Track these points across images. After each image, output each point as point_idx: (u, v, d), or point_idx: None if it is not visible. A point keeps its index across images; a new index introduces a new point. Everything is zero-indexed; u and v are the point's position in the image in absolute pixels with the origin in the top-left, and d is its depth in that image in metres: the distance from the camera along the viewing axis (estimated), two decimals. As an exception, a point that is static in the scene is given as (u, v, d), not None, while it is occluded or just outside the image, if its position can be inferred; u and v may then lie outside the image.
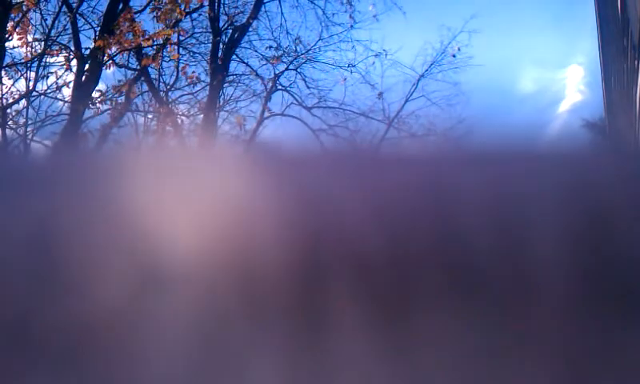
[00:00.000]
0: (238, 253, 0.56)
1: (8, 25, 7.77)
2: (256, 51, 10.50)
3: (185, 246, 0.56)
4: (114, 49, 7.99)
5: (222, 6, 9.95)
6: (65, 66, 8.71)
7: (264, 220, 0.56)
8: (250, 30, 10.29)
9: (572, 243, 0.64)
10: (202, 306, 0.55)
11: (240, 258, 0.56)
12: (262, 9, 10.34)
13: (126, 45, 7.96)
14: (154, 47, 8.59)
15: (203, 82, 9.70)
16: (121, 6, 8.11)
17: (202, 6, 9.00)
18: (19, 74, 9.24)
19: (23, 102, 9.13)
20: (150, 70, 9.04)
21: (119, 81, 8.98)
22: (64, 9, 8.40)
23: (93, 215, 0.56)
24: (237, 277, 0.56)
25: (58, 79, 8.99)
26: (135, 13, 8.18)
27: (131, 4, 8.28)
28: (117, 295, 0.54)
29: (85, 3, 8.51)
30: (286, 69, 10.93)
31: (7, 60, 8.47)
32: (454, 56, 11.47)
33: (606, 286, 0.62)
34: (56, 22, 8.76)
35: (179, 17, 8.71)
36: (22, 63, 9.16)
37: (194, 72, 9.68)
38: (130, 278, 0.55)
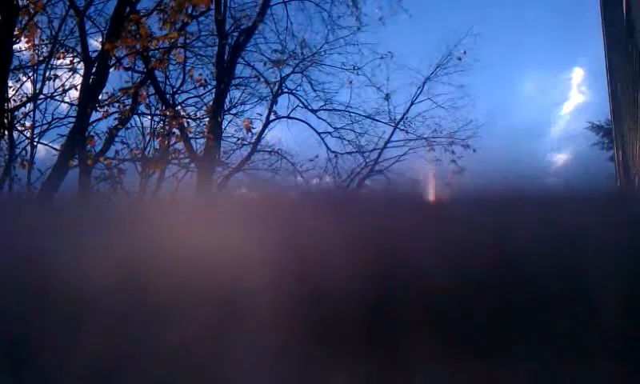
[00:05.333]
0: (310, 284, 0.56)
1: (15, 28, 7.76)
2: (262, 54, 10.52)
3: (257, 277, 0.57)
4: (121, 52, 7.99)
5: (228, 9, 9.96)
6: (71, 69, 8.75)
7: (335, 254, 0.57)
8: (256, 33, 10.30)
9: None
10: (276, 335, 0.56)
11: (312, 291, 0.56)
12: (268, 12, 10.36)
13: (132, 47, 7.96)
14: (161, 50, 8.60)
15: (210, 84, 9.72)
16: (128, 10, 8.11)
17: (208, 9, 9.00)
18: (26, 76, 9.27)
19: (30, 105, 9.16)
20: (156, 73, 9.05)
21: (126, 82, 9.00)
22: (71, 12, 8.42)
23: (173, 255, 0.57)
24: (308, 306, 0.56)
25: (64, 82, 9.03)
26: (142, 16, 8.18)
27: (137, 8, 8.29)
28: (199, 325, 0.55)
29: (92, 6, 8.53)
30: (292, 72, 10.96)
31: (14, 63, 8.49)
32: (459, 59, 11.48)
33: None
34: (63, 25, 8.80)
35: (186, 20, 8.72)
36: (29, 66, 9.19)
37: (200, 75, 9.70)
38: (209, 310, 0.56)
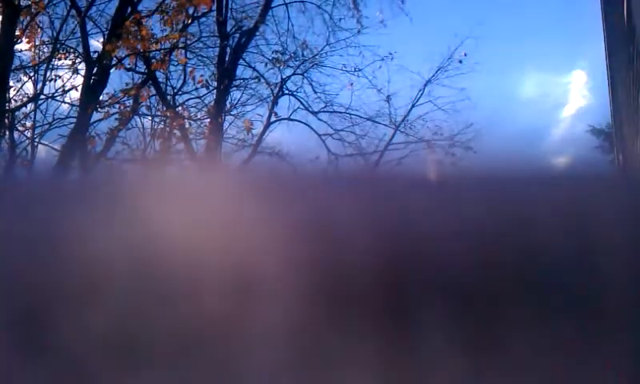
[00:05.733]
0: (328, 259, 0.56)
1: (17, 28, 7.77)
2: (263, 55, 10.52)
3: (274, 254, 0.56)
4: (122, 52, 8.00)
5: (229, 10, 9.97)
6: (72, 69, 8.76)
7: (357, 231, 0.56)
8: (257, 34, 10.31)
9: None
10: (292, 311, 0.55)
11: (331, 266, 0.56)
12: (270, 13, 10.37)
13: (133, 47, 7.96)
14: (162, 51, 8.61)
15: (211, 85, 9.72)
16: (129, 10, 8.12)
17: (210, 10, 9.01)
18: (27, 77, 9.28)
19: (31, 105, 9.17)
20: (157, 73, 9.06)
21: (127, 84, 9.01)
22: (72, 12, 8.43)
23: (187, 230, 0.56)
24: (326, 282, 0.56)
25: (65, 83, 9.03)
26: (142, 17, 8.19)
27: (139, 8, 8.30)
28: (213, 304, 0.54)
29: (93, 7, 8.54)
30: (293, 73, 10.96)
31: (16, 63, 8.49)
32: (460, 61, 11.48)
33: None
34: (64, 25, 8.80)
35: (187, 21, 8.75)
36: (30, 66, 9.20)
37: (202, 76, 9.70)
38: (224, 287, 0.55)
